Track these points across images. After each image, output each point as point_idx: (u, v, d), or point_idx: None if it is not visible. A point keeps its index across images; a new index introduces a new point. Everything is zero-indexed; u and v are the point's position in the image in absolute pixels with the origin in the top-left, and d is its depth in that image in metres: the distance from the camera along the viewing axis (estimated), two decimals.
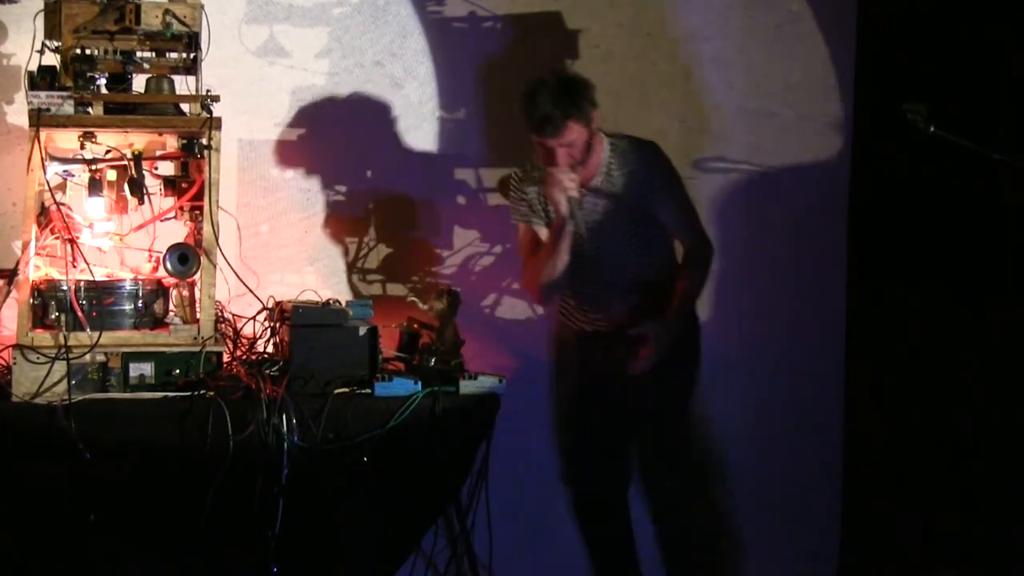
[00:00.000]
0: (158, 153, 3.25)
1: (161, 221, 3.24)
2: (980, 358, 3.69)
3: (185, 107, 3.15)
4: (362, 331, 3.13)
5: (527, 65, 3.87)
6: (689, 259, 3.41)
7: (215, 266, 3.06)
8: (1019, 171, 3.17)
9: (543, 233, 3.36)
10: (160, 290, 3.12)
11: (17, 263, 3.04)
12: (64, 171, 3.13)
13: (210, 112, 3.08)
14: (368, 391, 3.08)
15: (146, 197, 3.16)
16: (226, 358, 3.12)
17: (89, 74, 3.05)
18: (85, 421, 2.87)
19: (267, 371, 3.05)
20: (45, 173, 3.00)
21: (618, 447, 3.53)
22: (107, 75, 3.11)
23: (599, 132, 3.30)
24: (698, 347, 3.51)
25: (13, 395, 2.91)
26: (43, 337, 2.96)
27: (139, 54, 3.13)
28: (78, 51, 3.05)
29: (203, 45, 3.16)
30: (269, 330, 3.29)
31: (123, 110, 3.09)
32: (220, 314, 3.25)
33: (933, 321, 3.77)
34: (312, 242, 3.76)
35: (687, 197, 3.40)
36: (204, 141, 3.07)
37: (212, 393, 2.92)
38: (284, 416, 2.92)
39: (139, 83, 3.18)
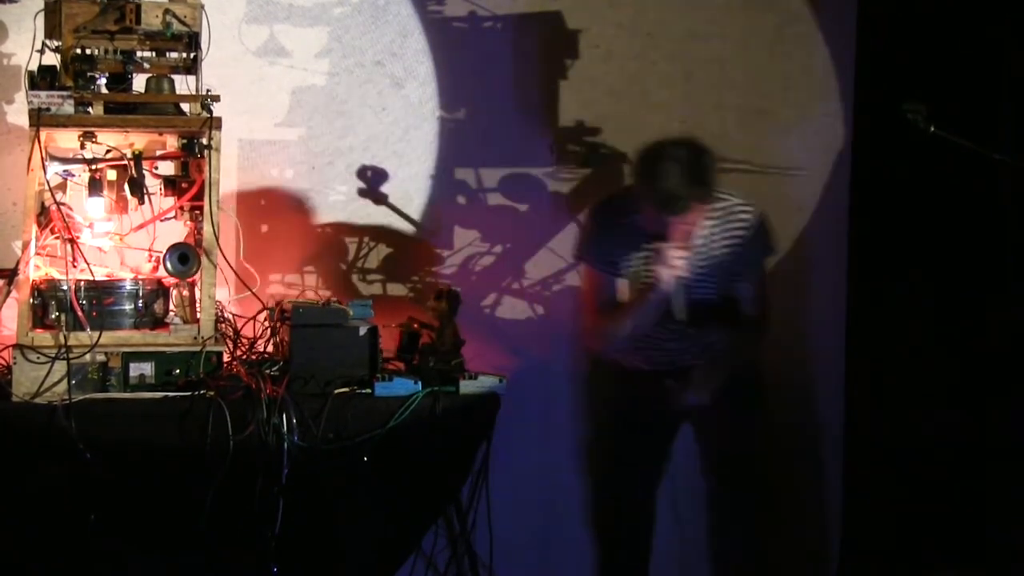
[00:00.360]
0: (158, 153, 3.25)
1: (161, 221, 3.24)
2: (980, 358, 3.68)
3: (185, 107, 3.15)
4: (362, 331, 3.13)
5: (527, 65, 3.89)
6: (746, 324, 3.34)
7: (215, 266, 3.06)
8: (1019, 171, 3.17)
9: (623, 288, 3.29)
10: (160, 290, 3.12)
11: (17, 263, 3.04)
12: (64, 171, 3.13)
13: (210, 112, 3.08)
14: (368, 391, 3.08)
15: (146, 197, 3.16)
16: (226, 358, 3.12)
17: (89, 74, 3.05)
18: (85, 421, 2.87)
19: (267, 371, 3.05)
20: (45, 173, 3.00)
21: (656, 449, 3.49)
22: (107, 75, 3.11)
23: None
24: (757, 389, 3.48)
25: (13, 395, 2.91)
26: (43, 337, 2.96)
27: (139, 54, 3.13)
28: (78, 51, 3.05)
29: (203, 45, 3.16)
30: (269, 330, 3.30)
31: (123, 110, 3.09)
32: (220, 314, 3.25)
33: (933, 321, 3.77)
34: (312, 242, 3.76)
35: (766, 274, 3.36)
36: (204, 141, 3.07)
37: (212, 393, 2.92)
38: (284, 416, 2.92)
39: (139, 83, 3.18)
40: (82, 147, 3.11)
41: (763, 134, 3.99)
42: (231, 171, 3.61)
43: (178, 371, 2.99)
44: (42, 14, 3.10)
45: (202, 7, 3.13)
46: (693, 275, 3.18)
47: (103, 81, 3.10)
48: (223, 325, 3.27)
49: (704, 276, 3.23)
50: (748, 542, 3.49)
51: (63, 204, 3.07)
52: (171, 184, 3.20)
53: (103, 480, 2.86)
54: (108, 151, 3.14)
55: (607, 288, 3.30)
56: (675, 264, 3.09)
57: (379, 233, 3.82)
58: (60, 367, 2.91)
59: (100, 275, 3.11)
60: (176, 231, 3.26)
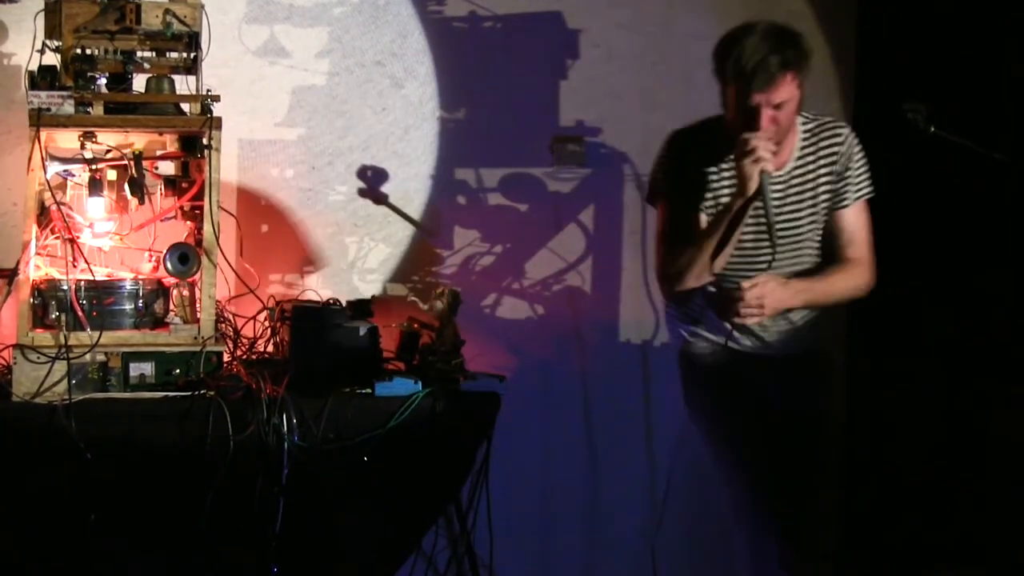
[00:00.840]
0: (158, 153, 3.25)
1: (161, 221, 3.23)
2: (981, 358, 3.68)
3: (185, 107, 3.15)
4: (362, 331, 3.13)
5: (527, 65, 3.89)
6: (844, 267, 2.95)
7: (215, 266, 3.06)
8: (1020, 171, 3.17)
9: (702, 221, 2.89)
10: (160, 290, 3.12)
11: (17, 263, 3.04)
12: (64, 171, 3.13)
13: (210, 112, 3.09)
14: (368, 391, 3.08)
15: (146, 197, 3.16)
16: (226, 358, 3.12)
17: (89, 74, 3.05)
18: (85, 421, 2.86)
19: (267, 371, 3.05)
20: (45, 173, 3.00)
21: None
22: (107, 75, 3.11)
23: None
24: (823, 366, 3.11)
25: (13, 395, 2.91)
26: (43, 337, 2.96)
27: (139, 54, 3.13)
28: (78, 51, 3.05)
29: (203, 45, 3.16)
30: (269, 330, 3.30)
31: (123, 110, 3.09)
32: (220, 314, 3.25)
33: (934, 321, 3.77)
34: (312, 242, 3.76)
35: (867, 205, 2.99)
36: (204, 141, 3.07)
37: (212, 393, 2.92)
38: (284, 416, 2.92)
39: (139, 83, 3.18)
40: (82, 147, 3.11)
41: None
42: (231, 171, 3.62)
43: (178, 371, 2.98)
44: (42, 14, 3.10)
45: (202, 7, 3.13)
46: (785, 204, 2.88)
47: (103, 81, 3.10)
48: (223, 325, 3.27)
49: (796, 204, 2.92)
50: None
51: (63, 204, 3.07)
52: (171, 184, 3.20)
53: (103, 480, 2.86)
54: (108, 151, 3.14)
55: (685, 216, 2.89)
56: (761, 155, 2.69)
57: (379, 233, 3.82)
58: (60, 367, 2.91)
59: (100, 275, 3.11)
60: (176, 231, 3.25)
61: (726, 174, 2.91)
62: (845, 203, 2.96)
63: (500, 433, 3.21)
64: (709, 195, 2.92)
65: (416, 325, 3.32)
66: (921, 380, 3.79)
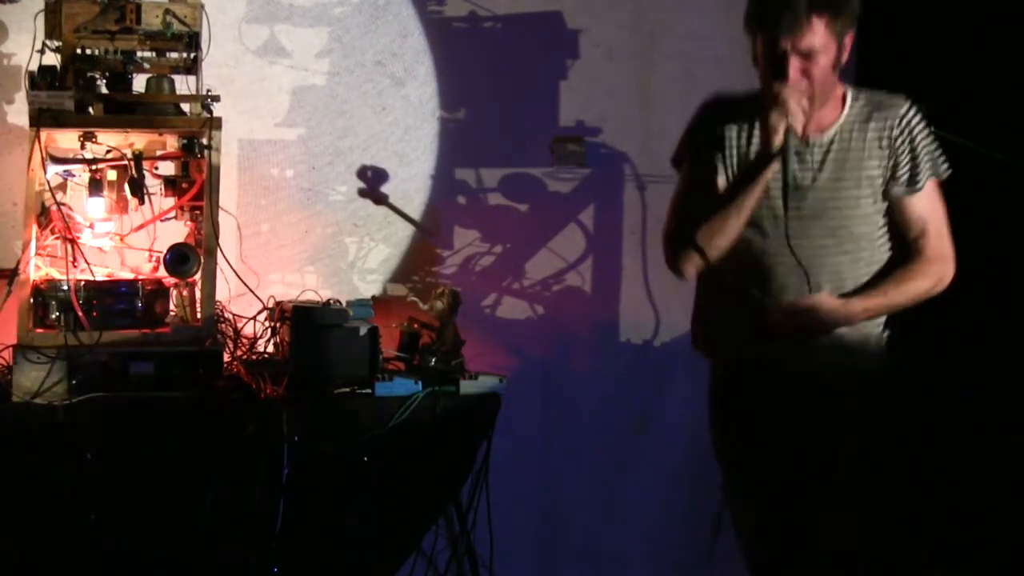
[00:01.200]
0: (158, 153, 3.25)
1: (161, 221, 3.24)
2: (981, 359, 3.68)
3: (185, 107, 3.15)
4: (362, 331, 3.13)
5: (527, 65, 3.89)
6: (918, 267, 2.66)
7: (215, 266, 3.06)
8: (1020, 171, 3.17)
9: (720, 184, 2.62)
10: (160, 290, 3.12)
11: (17, 263, 3.04)
12: (64, 171, 3.13)
13: (210, 112, 3.09)
14: (368, 391, 3.08)
15: (146, 197, 3.16)
16: (226, 358, 3.12)
17: (89, 74, 3.05)
18: (85, 421, 2.86)
19: (267, 371, 3.05)
20: (45, 173, 3.00)
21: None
22: (107, 75, 3.11)
23: (844, 84, 2.58)
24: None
25: (13, 395, 2.91)
26: (43, 337, 2.96)
27: (139, 54, 3.13)
28: (79, 51, 3.06)
29: (203, 45, 3.16)
30: (269, 330, 3.30)
31: (123, 110, 3.09)
32: (220, 314, 3.25)
33: (934, 322, 3.76)
34: (312, 242, 3.76)
35: (938, 192, 2.67)
36: (204, 141, 3.07)
37: (212, 393, 2.92)
38: (284, 416, 2.92)
39: (139, 83, 3.18)
40: (82, 147, 3.11)
41: None
42: (231, 171, 3.61)
43: (178, 371, 2.98)
44: (42, 14, 3.10)
45: (202, 7, 3.13)
46: (821, 176, 2.59)
47: (103, 81, 3.10)
48: (223, 325, 3.27)
49: (835, 178, 2.61)
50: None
51: (63, 204, 3.07)
52: (171, 184, 3.20)
53: (103, 480, 2.86)
54: (108, 151, 3.14)
55: (705, 175, 2.63)
56: (789, 108, 2.45)
57: (379, 233, 3.82)
58: (60, 367, 2.91)
59: (100, 275, 3.11)
60: (176, 231, 3.26)
61: (756, 139, 2.63)
62: (918, 185, 2.63)
63: (500, 433, 3.22)
64: (736, 159, 2.65)
65: (416, 325, 3.32)
66: (921, 380, 3.78)
